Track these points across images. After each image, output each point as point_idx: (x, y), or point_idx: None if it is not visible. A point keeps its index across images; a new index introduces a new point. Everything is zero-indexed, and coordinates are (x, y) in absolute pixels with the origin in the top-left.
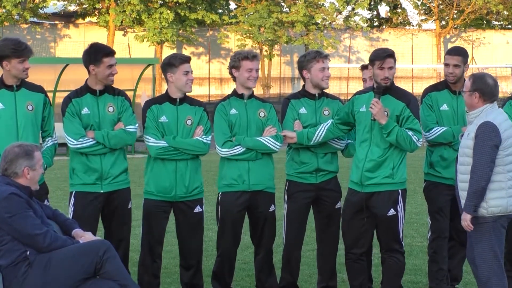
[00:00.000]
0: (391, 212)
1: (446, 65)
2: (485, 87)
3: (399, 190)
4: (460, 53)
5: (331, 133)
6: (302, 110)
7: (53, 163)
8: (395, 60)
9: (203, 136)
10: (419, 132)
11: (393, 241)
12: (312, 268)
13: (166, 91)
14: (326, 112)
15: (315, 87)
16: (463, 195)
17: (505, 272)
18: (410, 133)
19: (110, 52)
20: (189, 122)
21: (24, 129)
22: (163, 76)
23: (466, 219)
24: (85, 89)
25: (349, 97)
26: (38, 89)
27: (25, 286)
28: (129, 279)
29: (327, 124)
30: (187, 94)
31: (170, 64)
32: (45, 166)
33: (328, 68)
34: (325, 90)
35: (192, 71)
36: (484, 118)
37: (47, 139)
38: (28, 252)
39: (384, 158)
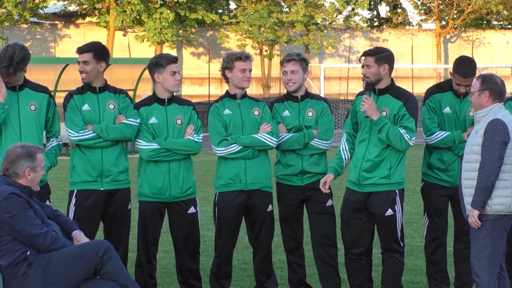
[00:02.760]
0: (389, 212)
1: (457, 84)
2: (495, 86)
3: (397, 191)
4: (472, 72)
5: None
6: (286, 113)
7: (57, 162)
8: (376, 60)
9: (195, 135)
10: (412, 130)
11: (392, 241)
12: (311, 268)
13: (154, 92)
14: (310, 114)
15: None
16: (467, 192)
17: (505, 273)
18: (402, 131)
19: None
20: (179, 121)
21: (27, 129)
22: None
23: (474, 215)
24: (86, 87)
25: (349, 97)
26: (42, 89)
27: (25, 286)
28: (129, 279)
29: (345, 145)
30: (182, 94)
31: (157, 64)
32: (50, 165)
33: (294, 71)
34: (310, 91)
35: (179, 72)
36: (493, 116)
37: (51, 139)
38: (28, 253)
39: (381, 158)
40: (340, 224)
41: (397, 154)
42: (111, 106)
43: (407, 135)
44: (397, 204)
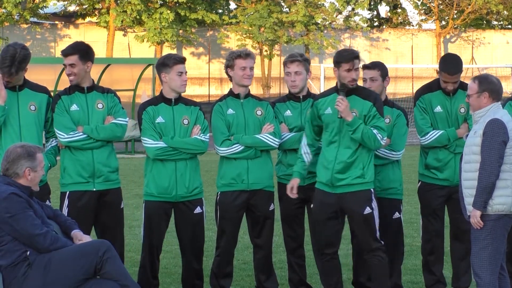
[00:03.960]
0: (367, 210)
1: (445, 82)
2: (493, 87)
3: (371, 189)
4: (459, 69)
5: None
6: (287, 113)
7: (57, 162)
8: (359, 61)
9: (201, 135)
10: (384, 130)
11: (371, 240)
12: (311, 268)
13: (161, 91)
14: None
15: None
16: (467, 193)
17: (505, 272)
18: (374, 131)
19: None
20: (185, 121)
21: (27, 129)
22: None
23: (476, 216)
24: (73, 88)
25: None
26: (42, 89)
27: (25, 286)
28: (129, 279)
29: (306, 149)
30: (182, 94)
31: (164, 64)
32: (49, 165)
33: (297, 72)
34: (310, 91)
35: (186, 72)
36: (492, 116)
37: (51, 140)
38: (28, 253)
39: (353, 159)
40: (314, 225)
41: (368, 153)
42: (100, 106)
43: (379, 135)
44: (374, 202)
